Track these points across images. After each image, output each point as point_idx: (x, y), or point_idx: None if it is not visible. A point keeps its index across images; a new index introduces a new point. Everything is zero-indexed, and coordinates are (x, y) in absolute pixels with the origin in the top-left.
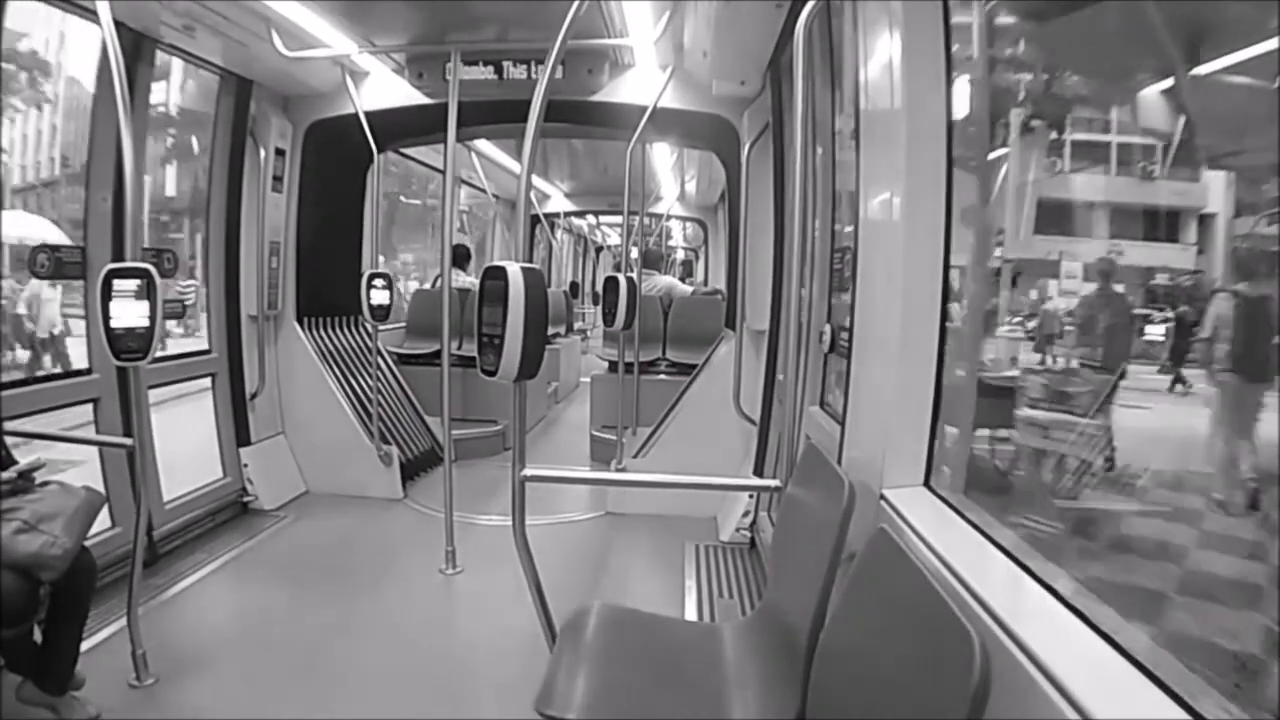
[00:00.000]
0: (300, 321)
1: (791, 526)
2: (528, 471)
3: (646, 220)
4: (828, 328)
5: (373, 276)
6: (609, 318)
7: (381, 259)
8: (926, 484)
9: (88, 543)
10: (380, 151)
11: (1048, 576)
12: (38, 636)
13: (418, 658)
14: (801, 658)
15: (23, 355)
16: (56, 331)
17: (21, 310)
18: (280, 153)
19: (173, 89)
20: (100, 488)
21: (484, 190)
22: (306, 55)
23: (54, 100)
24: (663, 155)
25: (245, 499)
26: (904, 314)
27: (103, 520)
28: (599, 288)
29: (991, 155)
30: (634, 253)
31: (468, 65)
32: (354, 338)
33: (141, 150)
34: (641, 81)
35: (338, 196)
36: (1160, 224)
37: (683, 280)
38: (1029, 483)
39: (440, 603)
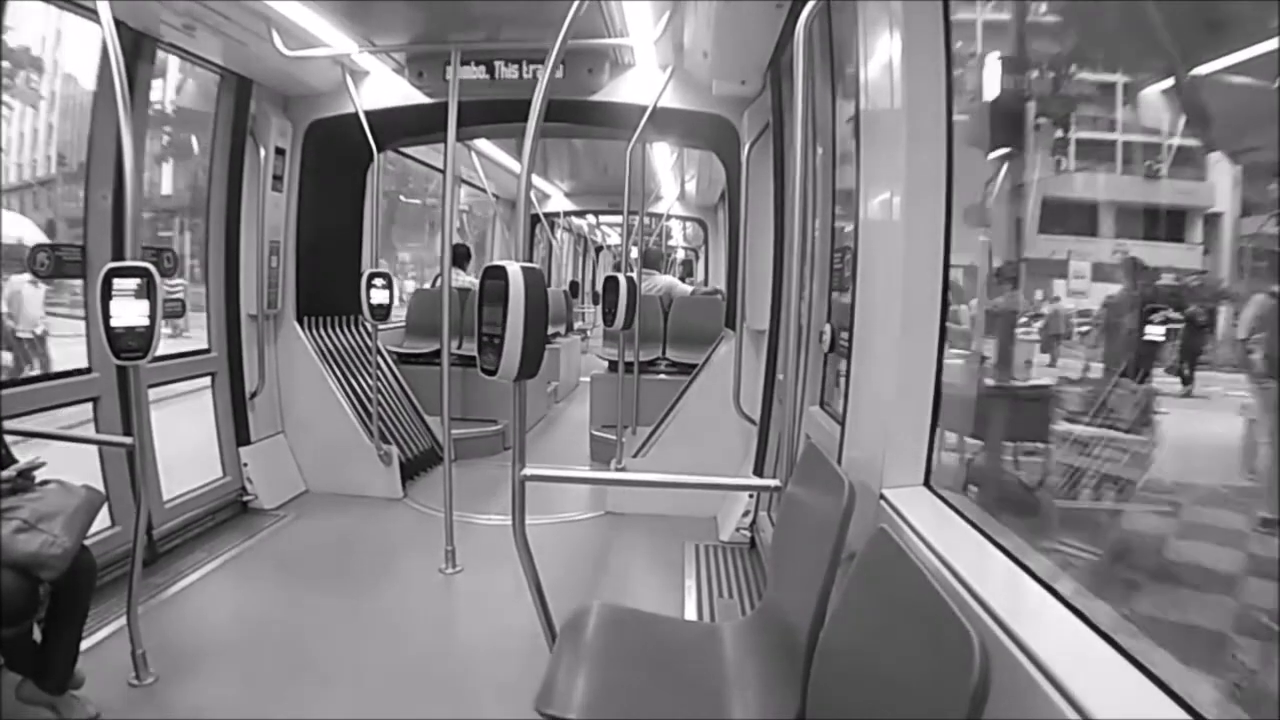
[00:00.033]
0: (300, 321)
1: (791, 526)
2: (527, 471)
3: (646, 220)
4: (828, 327)
5: (373, 276)
6: (609, 317)
7: (383, 262)
8: (926, 484)
9: (87, 542)
10: (380, 151)
11: (1047, 576)
12: (37, 635)
13: (417, 657)
14: (801, 657)
15: (5, 357)
16: (39, 331)
17: (2, 308)
18: (280, 152)
19: (168, 88)
20: (100, 487)
21: (484, 190)
22: (306, 55)
23: (48, 98)
24: (663, 155)
25: (245, 498)
26: (904, 314)
27: (102, 519)
28: (599, 287)
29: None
30: (634, 252)
31: (467, 65)
32: (354, 337)
33: (141, 149)
34: (641, 81)
35: (338, 196)
36: (1166, 223)
37: (683, 280)
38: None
39: (440, 602)
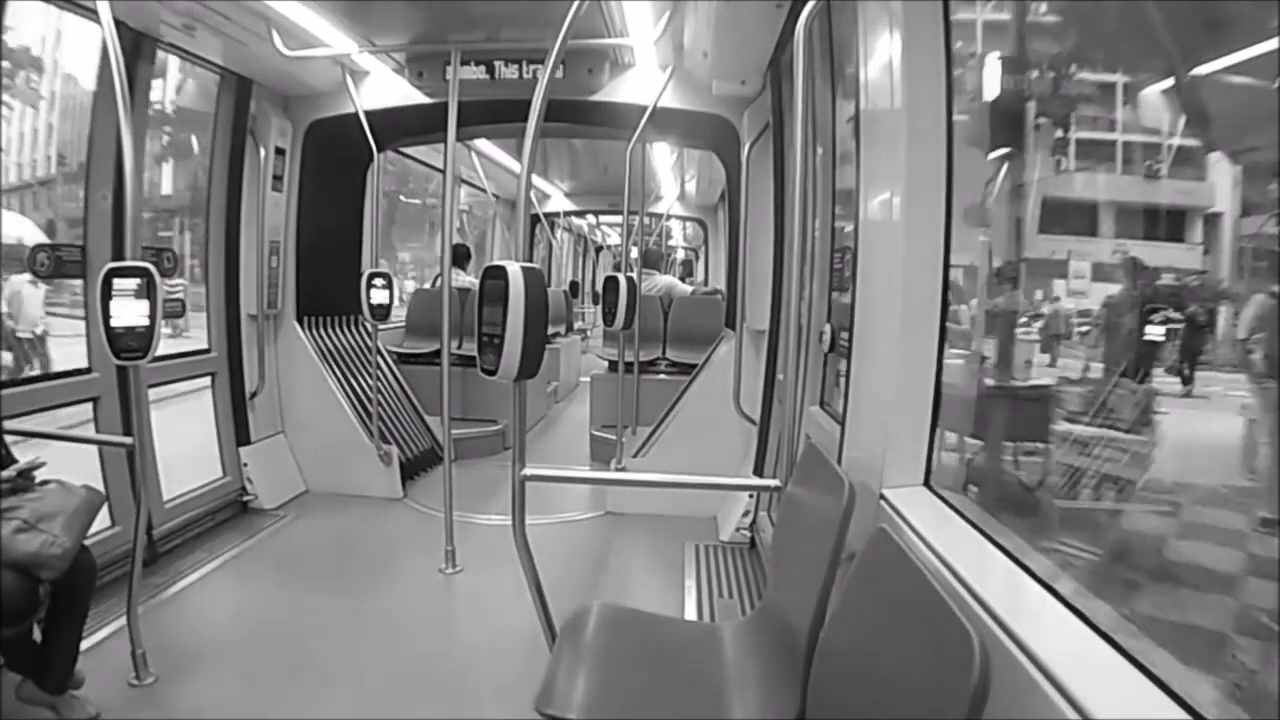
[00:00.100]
0: (300, 321)
1: (791, 526)
2: (527, 471)
3: (646, 220)
4: (828, 327)
5: (372, 276)
6: (609, 317)
7: (383, 262)
8: (926, 484)
9: (87, 542)
10: (380, 151)
11: (1047, 575)
12: (37, 635)
13: (417, 657)
14: (801, 657)
15: (5, 357)
16: (39, 331)
17: (3, 308)
18: (280, 152)
19: (168, 87)
20: (100, 487)
21: (484, 190)
22: (306, 55)
23: (48, 98)
24: (663, 155)
25: (245, 498)
26: (904, 314)
27: (102, 519)
28: (599, 287)
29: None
30: (634, 252)
31: (467, 65)
32: (354, 337)
33: (141, 149)
34: (641, 81)
35: (338, 196)
36: (1166, 223)
37: (682, 280)
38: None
39: (440, 602)
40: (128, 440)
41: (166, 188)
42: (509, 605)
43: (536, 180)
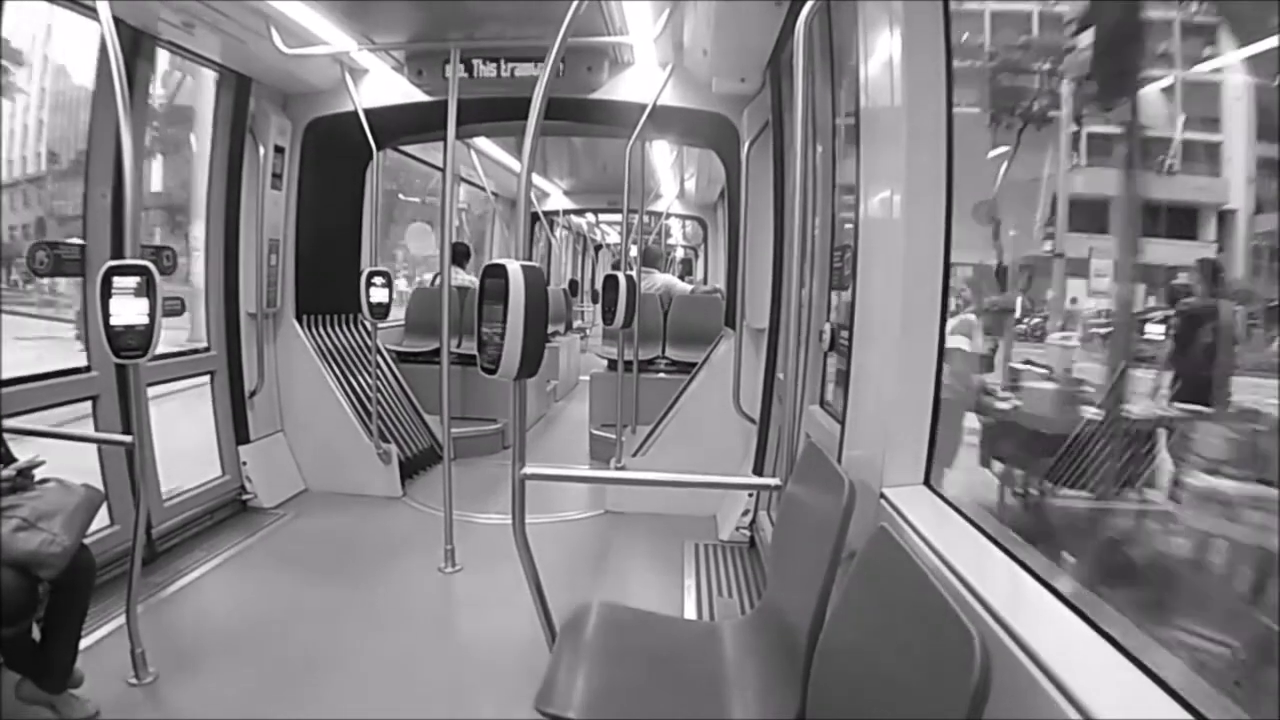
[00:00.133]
0: (299, 319)
1: (791, 525)
2: (527, 470)
3: (646, 218)
4: (828, 326)
5: (372, 274)
6: (608, 316)
7: (393, 258)
8: (926, 483)
9: (87, 540)
10: (380, 149)
11: (1046, 575)
12: (37, 634)
13: (417, 656)
14: (801, 656)
15: None
16: None
17: None
18: (279, 150)
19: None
20: (99, 485)
21: (483, 188)
22: (306, 53)
23: (37, 94)
24: (662, 153)
25: (244, 497)
26: (904, 313)
27: (102, 518)
28: (598, 286)
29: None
30: (633, 251)
31: (467, 63)
32: (353, 335)
33: (140, 147)
34: (641, 79)
35: (337, 194)
36: (1179, 220)
37: (682, 278)
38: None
39: (439, 601)
40: (127, 439)
41: (156, 186)
42: (508, 604)
43: (536, 179)
